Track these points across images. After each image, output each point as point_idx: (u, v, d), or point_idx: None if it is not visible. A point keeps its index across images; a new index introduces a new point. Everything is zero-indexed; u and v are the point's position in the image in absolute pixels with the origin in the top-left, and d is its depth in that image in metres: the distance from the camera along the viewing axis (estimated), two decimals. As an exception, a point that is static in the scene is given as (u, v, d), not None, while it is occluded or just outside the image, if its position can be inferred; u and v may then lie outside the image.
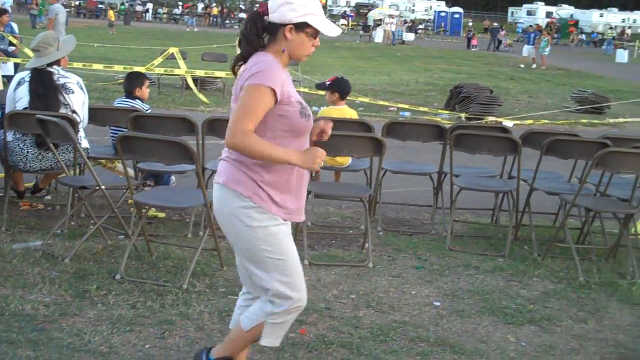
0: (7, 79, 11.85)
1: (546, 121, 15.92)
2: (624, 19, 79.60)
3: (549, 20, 69.60)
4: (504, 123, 14.24)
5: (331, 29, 3.53)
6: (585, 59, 46.05)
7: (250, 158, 3.42)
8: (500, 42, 51.88)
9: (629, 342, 5.00)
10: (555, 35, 64.19)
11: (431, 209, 7.64)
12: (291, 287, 3.54)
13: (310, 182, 5.43)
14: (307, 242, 6.21)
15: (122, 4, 65.55)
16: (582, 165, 7.05)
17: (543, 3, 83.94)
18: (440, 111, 16.71)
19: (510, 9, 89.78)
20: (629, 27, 74.90)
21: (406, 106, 16.70)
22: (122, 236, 6.36)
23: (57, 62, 6.86)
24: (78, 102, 6.76)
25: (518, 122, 15.16)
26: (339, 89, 7.60)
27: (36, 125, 6.12)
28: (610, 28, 67.01)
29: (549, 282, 6.04)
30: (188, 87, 17.00)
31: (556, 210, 7.60)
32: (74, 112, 6.65)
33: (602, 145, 6.49)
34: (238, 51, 3.52)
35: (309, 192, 5.79)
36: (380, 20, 57.46)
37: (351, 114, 7.70)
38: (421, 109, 16.65)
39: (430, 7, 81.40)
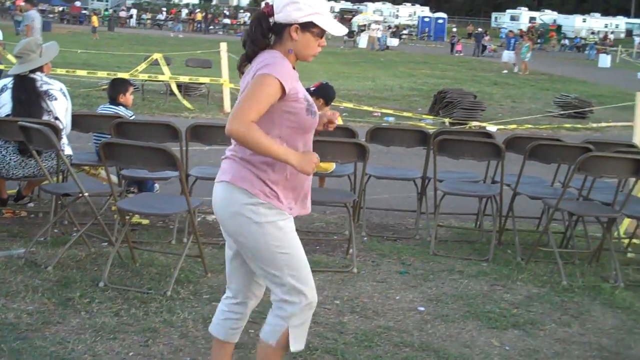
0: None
1: (530, 126, 16.00)
2: (606, 24, 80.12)
3: (529, 25, 69.88)
4: (487, 128, 14.27)
5: (337, 28, 3.51)
6: (568, 63, 46.32)
7: (247, 149, 3.38)
8: (484, 47, 52.09)
9: (612, 345, 5.02)
10: (539, 41, 64.53)
11: (415, 214, 7.66)
12: (303, 282, 3.50)
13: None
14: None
15: (106, 9, 65.35)
16: (565, 169, 7.07)
17: (526, 8, 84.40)
18: (424, 116, 16.75)
19: (494, 14, 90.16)
20: (612, 32, 75.41)
21: (390, 111, 16.74)
22: (106, 243, 6.33)
23: (40, 69, 6.83)
24: (61, 108, 6.74)
25: (502, 127, 15.22)
26: (324, 94, 7.60)
27: (19, 132, 6.08)
28: (592, 33, 67.40)
29: (533, 286, 6.06)
30: (172, 93, 16.97)
31: (539, 214, 7.63)
32: (56, 118, 6.63)
33: (585, 149, 6.52)
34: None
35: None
36: (365, 25, 57.59)
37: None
38: (405, 114, 16.69)
39: (414, 12, 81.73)
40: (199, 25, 64.22)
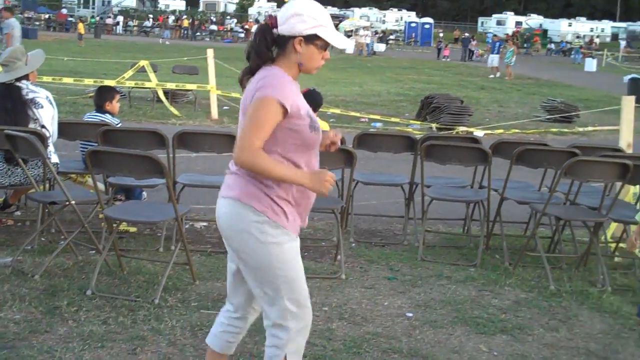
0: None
1: (517, 130, 16.03)
2: (592, 28, 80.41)
3: (514, 30, 70.13)
4: (474, 133, 14.33)
5: (341, 42, 3.49)
6: (554, 68, 46.47)
7: (259, 175, 3.36)
8: (472, 52, 52.22)
9: (600, 350, 5.04)
10: (525, 45, 64.73)
11: (403, 220, 7.67)
12: (299, 305, 3.48)
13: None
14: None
15: (92, 17, 65.18)
16: (552, 174, 7.10)
17: (512, 13, 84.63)
18: (411, 122, 16.77)
19: (480, 19, 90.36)
20: (597, 36, 75.73)
21: (378, 117, 16.75)
22: (93, 251, 6.31)
23: (25, 77, 6.80)
24: (47, 116, 6.71)
25: (489, 131, 15.24)
26: (311, 100, 7.51)
27: (5, 141, 6.06)
28: (578, 37, 67.63)
29: (521, 291, 6.07)
30: (159, 100, 16.94)
31: (527, 219, 7.66)
32: (43, 126, 6.61)
33: (571, 154, 6.55)
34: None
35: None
36: (352, 31, 57.62)
37: (323, 125, 7.69)
38: (392, 119, 16.70)
39: (401, 17, 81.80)
40: (185, 32, 64.11)
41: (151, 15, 72.28)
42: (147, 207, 6.40)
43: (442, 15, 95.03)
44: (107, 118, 7.36)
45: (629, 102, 7.90)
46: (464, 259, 6.90)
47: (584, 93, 27.91)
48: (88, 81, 17.16)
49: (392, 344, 4.89)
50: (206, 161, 10.13)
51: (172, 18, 69.22)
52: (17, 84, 6.69)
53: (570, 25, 78.96)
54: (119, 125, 7.33)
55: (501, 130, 15.77)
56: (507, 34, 55.87)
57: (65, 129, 7.13)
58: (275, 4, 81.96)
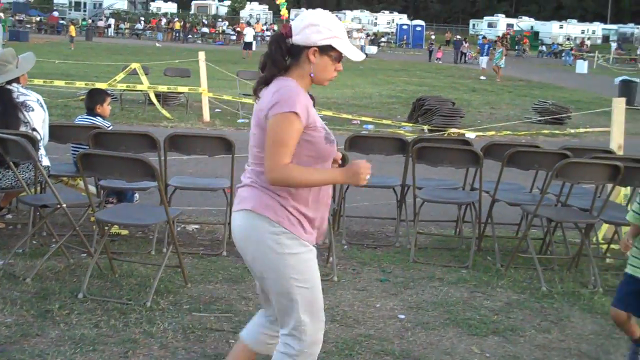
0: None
1: (508, 132, 16.07)
2: (583, 30, 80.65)
3: (505, 32, 70.25)
4: (466, 135, 14.34)
5: (355, 54, 3.49)
6: (545, 70, 46.60)
7: (296, 188, 3.35)
8: (464, 54, 52.30)
9: (592, 350, 5.05)
10: (516, 47, 64.85)
11: (395, 222, 7.67)
12: (314, 318, 3.46)
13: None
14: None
15: (84, 19, 65.05)
16: (543, 176, 7.11)
17: (504, 15, 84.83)
18: (403, 124, 16.79)
19: (472, 21, 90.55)
20: (588, 38, 75.94)
21: (369, 119, 16.76)
22: (85, 254, 6.30)
23: (16, 80, 6.78)
24: (38, 119, 6.69)
25: (480, 133, 15.26)
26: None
27: (-5, 144, 6.04)
28: (568, 39, 67.80)
29: (512, 292, 6.08)
30: (151, 103, 16.90)
31: (518, 220, 7.66)
32: (34, 130, 6.59)
33: (562, 156, 6.57)
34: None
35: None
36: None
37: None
38: (384, 121, 16.72)
39: (393, 20, 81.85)
40: (177, 34, 64.02)
41: (143, 18, 72.15)
42: (138, 209, 6.39)
43: (433, 18, 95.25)
44: (98, 121, 7.34)
45: (619, 104, 7.93)
46: (456, 260, 6.90)
47: (575, 95, 27.99)
48: (79, 84, 17.12)
49: (384, 346, 4.89)
50: (198, 164, 10.13)
51: (164, 21, 69.10)
52: (8, 87, 6.66)
53: (561, 27, 79.20)
54: (110, 128, 7.31)
55: (493, 132, 15.80)
56: (498, 36, 55.93)
57: (57, 132, 7.11)
58: (267, 6, 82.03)
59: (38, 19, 66.37)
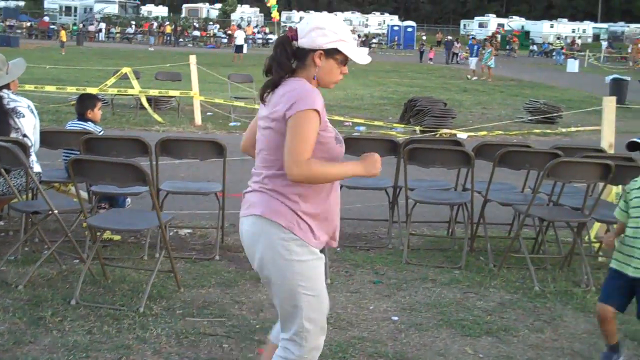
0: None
1: (500, 132, 16.09)
2: (574, 29, 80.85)
3: (494, 31, 70.36)
4: (458, 135, 14.36)
5: (361, 57, 3.50)
6: (537, 69, 46.70)
7: (316, 184, 3.36)
8: (456, 54, 52.35)
9: (585, 350, 5.06)
10: (507, 47, 64.93)
11: (387, 223, 7.67)
12: (317, 325, 3.45)
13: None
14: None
15: (75, 24, 64.94)
16: (535, 175, 7.13)
17: (495, 15, 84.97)
18: (395, 125, 16.79)
19: (463, 22, 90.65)
20: (579, 37, 76.14)
21: (361, 121, 16.76)
22: (77, 260, 6.28)
23: (6, 86, 6.75)
24: (29, 126, 6.66)
25: (472, 133, 15.28)
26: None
27: (-14, 151, 6.02)
28: (558, 38, 67.94)
29: (505, 292, 6.09)
30: (142, 107, 16.88)
31: (510, 220, 7.67)
32: (25, 136, 6.56)
33: (553, 155, 6.58)
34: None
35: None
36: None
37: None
38: (376, 123, 16.71)
39: (384, 21, 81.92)
40: (168, 38, 63.93)
41: (134, 22, 72.05)
42: (130, 215, 6.39)
43: (424, 19, 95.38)
44: (89, 126, 7.33)
45: (610, 102, 7.95)
46: (449, 261, 6.91)
47: (567, 94, 28.04)
48: (70, 89, 17.06)
49: (378, 348, 4.89)
50: (189, 168, 10.12)
51: (155, 25, 68.99)
52: (-2, 93, 6.64)
53: (552, 26, 79.38)
54: (101, 133, 7.30)
55: (484, 132, 15.82)
56: (488, 36, 55.99)
57: (48, 138, 7.09)
58: (258, 9, 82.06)
59: (29, 24, 66.18)
